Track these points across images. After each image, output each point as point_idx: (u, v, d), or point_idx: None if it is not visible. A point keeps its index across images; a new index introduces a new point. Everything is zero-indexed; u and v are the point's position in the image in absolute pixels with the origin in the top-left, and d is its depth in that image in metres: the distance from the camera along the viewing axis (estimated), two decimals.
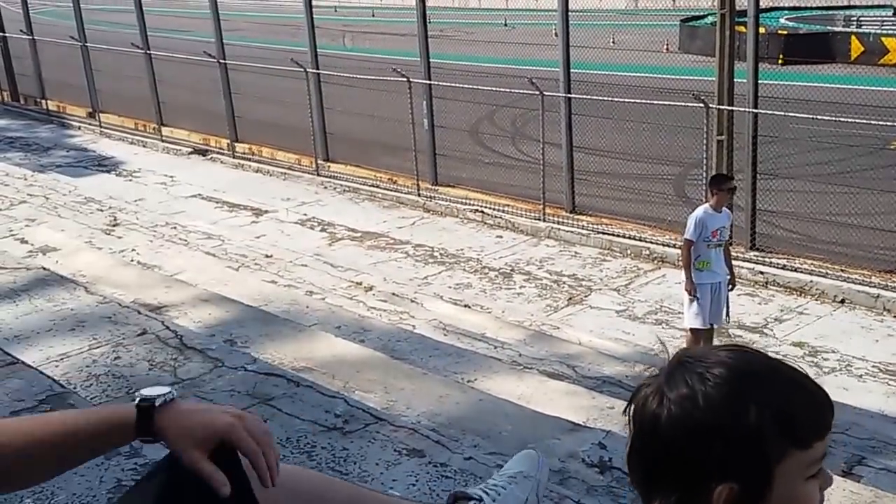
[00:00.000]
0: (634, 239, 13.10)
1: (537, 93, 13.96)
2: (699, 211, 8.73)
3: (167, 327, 6.58)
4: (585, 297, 11.65)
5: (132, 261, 12.13)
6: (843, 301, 11.01)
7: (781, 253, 12.11)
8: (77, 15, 23.01)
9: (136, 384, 5.92)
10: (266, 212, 15.90)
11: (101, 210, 15.72)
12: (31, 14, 25.47)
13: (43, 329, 6.80)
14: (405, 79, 15.69)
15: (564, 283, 12.14)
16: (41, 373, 5.64)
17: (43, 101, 25.28)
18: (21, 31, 24.88)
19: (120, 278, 9.18)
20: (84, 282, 8.53)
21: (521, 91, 14.87)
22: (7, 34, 26.07)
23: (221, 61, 19.62)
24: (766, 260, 11.93)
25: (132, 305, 7.32)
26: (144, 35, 21.47)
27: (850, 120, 12.78)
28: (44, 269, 8.55)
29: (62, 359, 6.27)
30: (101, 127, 22.79)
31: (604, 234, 13.45)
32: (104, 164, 19.76)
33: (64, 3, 24.67)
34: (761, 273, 11.70)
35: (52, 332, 6.74)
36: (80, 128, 23.34)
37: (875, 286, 10.98)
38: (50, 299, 7.32)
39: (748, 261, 11.97)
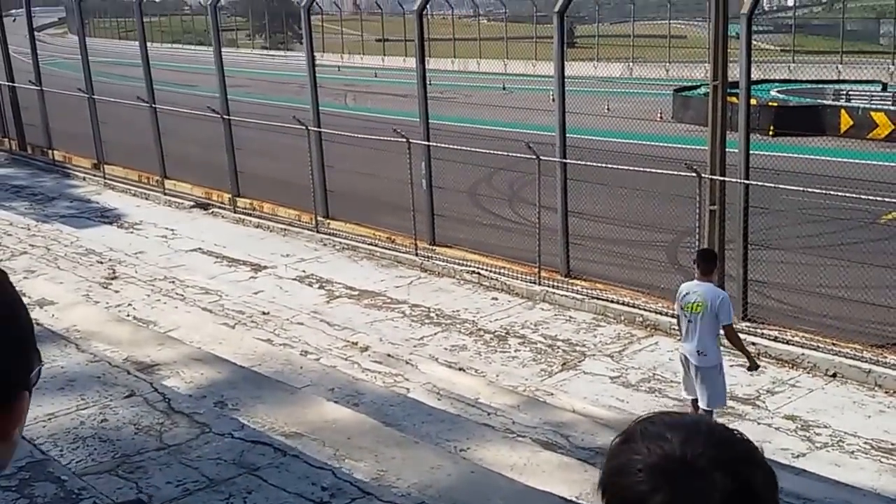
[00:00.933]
0: (628, 305, 12.88)
1: (534, 157, 13.86)
2: (724, 291, 8.64)
3: (156, 389, 6.34)
4: (579, 362, 11.41)
5: (128, 315, 11.88)
6: (834, 375, 10.77)
7: (773, 324, 11.89)
8: (85, 67, 22.98)
9: (122, 448, 5.67)
10: (265, 267, 15.70)
11: (101, 262, 15.49)
12: (40, 65, 25.44)
13: None
14: (405, 139, 15.60)
15: (559, 347, 11.91)
16: (23, 437, 5.38)
17: (49, 151, 25.16)
18: (30, 81, 24.84)
19: (114, 334, 8.93)
20: (77, 337, 8.29)
21: (519, 155, 14.75)
22: (16, 84, 26.04)
23: (225, 117, 19.54)
24: (758, 331, 11.70)
25: (122, 365, 7.08)
26: (151, 89, 21.41)
27: (840, 194, 12.66)
28: (37, 323, 8.29)
29: (50, 419, 6.02)
30: (105, 178, 22.64)
31: (598, 299, 13.23)
32: (107, 216, 19.59)
33: (73, 56, 24.65)
34: (753, 344, 11.42)
35: (42, 390, 6.48)
36: (84, 178, 23.20)
37: (866, 361, 10.74)
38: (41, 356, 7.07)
39: (740, 332, 11.65)
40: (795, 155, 20.63)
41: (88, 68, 23.03)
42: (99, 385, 6.44)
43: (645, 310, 12.56)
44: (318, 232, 17.48)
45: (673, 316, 11.23)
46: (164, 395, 6.25)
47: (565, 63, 14.27)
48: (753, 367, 8.86)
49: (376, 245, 16.57)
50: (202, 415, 5.90)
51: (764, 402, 10.17)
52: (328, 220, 17.85)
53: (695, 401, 8.74)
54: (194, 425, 5.71)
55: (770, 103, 27.38)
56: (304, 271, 15.46)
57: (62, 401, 6.24)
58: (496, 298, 13.91)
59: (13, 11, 32.49)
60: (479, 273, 14.67)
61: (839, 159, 18.78)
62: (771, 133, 24.05)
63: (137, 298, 13.14)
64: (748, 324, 11.94)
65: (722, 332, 8.61)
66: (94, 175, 23.08)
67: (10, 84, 26.09)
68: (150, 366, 7.78)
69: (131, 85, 23.57)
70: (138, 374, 6.74)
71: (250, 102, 29.07)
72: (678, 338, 9.35)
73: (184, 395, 6.78)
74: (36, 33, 27.86)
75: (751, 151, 12.17)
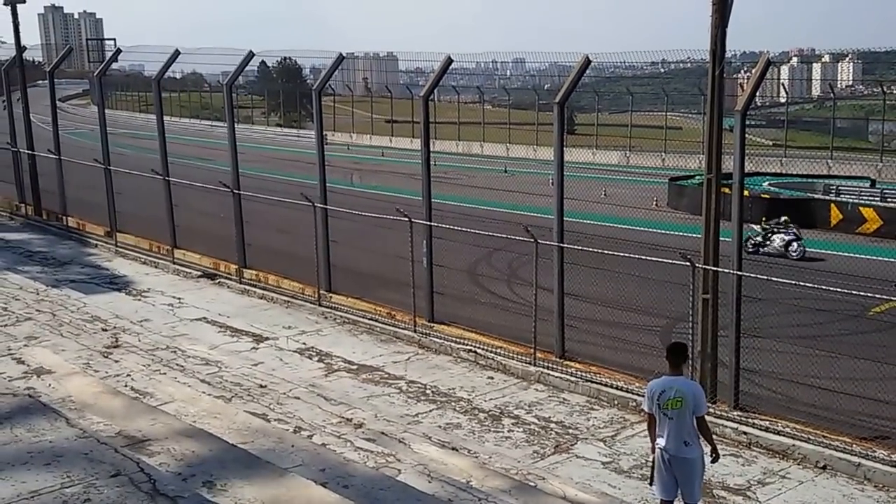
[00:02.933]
0: (622, 390, 12.54)
1: (532, 240, 13.67)
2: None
3: (141, 469, 6.00)
4: (572, 445, 11.04)
5: (126, 386, 11.53)
6: (824, 467, 10.39)
7: (764, 414, 11.54)
8: (103, 139, 22.98)
9: None
10: (267, 338, 15.40)
11: (105, 329, 15.17)
12: (60, 134, 25.47)
13: (19, 462, 6.23)
14: (407, 219, 15.45)
15: (552, 429, 11.54)
16: None
17: (64, 218, 25.05)
18: (49, 150, 24.83)
19: (107, 406, 8.59)
20: (70, 408, 7.98)
21: (517, 237, 14.55)
22: (36, 153, 26.06)
23: (235, 191, 19.46)
24: (750, 420, 11.34)
25: (111, 441, 6.75)
26: (165, 162, 21.37)
27: (830, 288, 12.39)
28: (30, 396, 8.00)
29: (33, 497, 5.69)
30: (116, 246, 22.48)
31: (592, 382, 12.89)
32: (116, 283, 19.35)
33: (96, 126, 24.66)
34: (745, 434, 11.10)
35: (28, 465, 6.17)
36: (97, 245, 23.02)
37: (856, 454, 10.36)
38: (31, 429, 6.76)
39: (731, 420, 11.39)
40: None
41: (106, 140, 23.03)
42: (86, 462, 6.11)
43: (639, 395, 12.16)
44: (320, 305, 17.23)
45: None
46: (150, 475, 5.91)
47: (565, 150, 14.16)
48: (717, 458, 8.52)
49: (376, 320, 16.31)
50: (186, 499, 5.56)
51: (755, 493, 9.79)
52: (330, 294, 17.63)
53: (669, 502, 8.38)
54: None
55: (763, 195, 27.34)
56: (304, 343, 15.16)
57: (47, 478, 5.91)
58: (492, 378, 13.59)
59: (39, 82, 32.71)
60: (475, 352, 14.38)
61: (829, 252, 18.66)
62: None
63: (137, 368, 12.78)
64: (739, 413, 11.60)
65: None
66: (107, 242, 22.93)
67: (30, 152, 26.12)
68: (140, 441, 7.44)
69: (150, 156, 23.53)
70: (126, 451, 6.41)
71: (262, 177, 29.08)
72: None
73: (171, 474, 6.43)
74: (60, 103, 27.98)
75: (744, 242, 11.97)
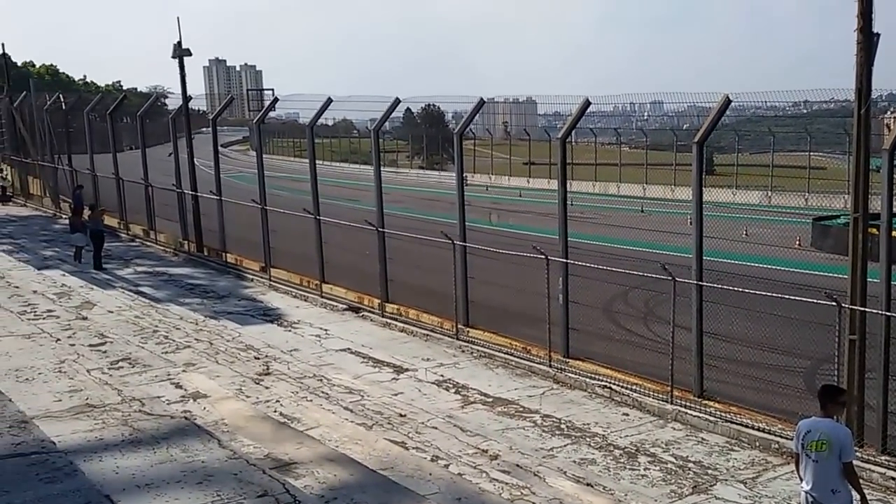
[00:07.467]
0: (764, 431, 11.95)
1: (669, 278, 13.30)
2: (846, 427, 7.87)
3: (287, 490, 6.07)
4: (711, 486, 10.57)
5: (275, 411, 11.76)
6: None
7: None
8: (260, 182, 23.85)
9: None
10: (406, 370, 15.49)
11: (258, 358, 15.60)
12: (221, 177, 26.56)
13: (173, 480, 6.41)
14: (543, 256, 15.32)
15: (690, 469, 11.10)
16: None
17: (223, 254, 26.03)
18: (211, 191, 25.92)
19: (257, 430, 8.77)
20: (223, 431, 8.17)
21: (654, 275, 14.17)
22: (199, 194, 27.25)
23: (380, 230, 19.78)
24: None
25: (259, 462, 6.86)
26: (316, 202, 21.97)
27: None
28: (186, 419, 8.25)
29: None
30: (270, 280, 23.18)
31: (732, 422, 12.36)
32: (269, 315, 19.92)
33: (254, 169, 25.62)
34: (893, 479, 10.39)
35: (181, 483, 6.34)
36: (252, 280, 23.81)
37: None
38: (185, 450, 6.96)
39: (879, 465, 10.68)
40: None
41: (263, 183, 23.87)
42: (235, 482, 6.23)
43: (781, 437, 11.60)
44: (457, 339, 17.24)
45: None
46: (296, 496, 5.98)
47: (703, 189, 13.77)
48: None
49: (512, 354, 16.17)
50: None
51: None
52: (468, 328, 17.61)
53: None
54: None
55: None
56: (442, 376, 15.16)
57: (199, 496, 6.05)
58: (627, 414, 13.22)
59: (203, 130, 34.35)
60: (610, 388, 14.04)
61: None
62: None
63: (285, 395, 13.05)
64: (887, 457, 10.88)
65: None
66: (262, 277, 23.67)
67: (194, 193, 27.35)
68: (287, 464, 7.54)
69: (302, 198, 24.23)
70: (273, 473, 6.50)
71: (405, 216, 29.49)
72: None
73: (315, 496, 6.48)
74: (221, 149, 29.20)
75: (893, 282, 11.32)
